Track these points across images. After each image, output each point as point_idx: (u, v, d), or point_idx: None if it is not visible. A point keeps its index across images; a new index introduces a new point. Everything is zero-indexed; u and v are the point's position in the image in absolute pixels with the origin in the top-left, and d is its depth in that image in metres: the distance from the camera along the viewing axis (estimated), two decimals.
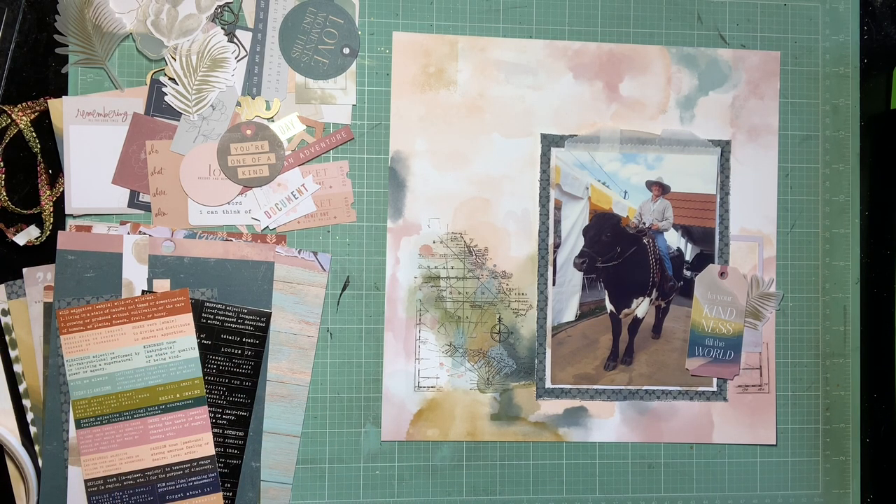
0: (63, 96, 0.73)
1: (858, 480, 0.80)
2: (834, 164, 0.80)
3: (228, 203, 0.74)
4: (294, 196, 0.74)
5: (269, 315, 0.74)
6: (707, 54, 0.79)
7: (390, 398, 0.76)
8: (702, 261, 0.78)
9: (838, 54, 0.80)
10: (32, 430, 0.72)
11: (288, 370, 0.74)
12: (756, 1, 0.80)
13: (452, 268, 0.76)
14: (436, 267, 0.76)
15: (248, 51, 0.74)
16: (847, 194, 0.80)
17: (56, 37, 0.72)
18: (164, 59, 0.73)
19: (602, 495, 0.77)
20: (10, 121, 0.72)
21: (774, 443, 0.79)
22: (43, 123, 0.73)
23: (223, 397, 0.73)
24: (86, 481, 0.71)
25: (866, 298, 0.80)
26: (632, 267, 0.78)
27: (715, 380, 0.78)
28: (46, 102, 0.72)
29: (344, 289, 0.76)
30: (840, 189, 0.80)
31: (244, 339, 0.73)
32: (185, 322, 0.73)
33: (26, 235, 0.73)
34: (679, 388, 0.78)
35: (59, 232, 0.72)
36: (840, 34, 0.80)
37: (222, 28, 0.74)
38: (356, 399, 0.75)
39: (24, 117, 0.72)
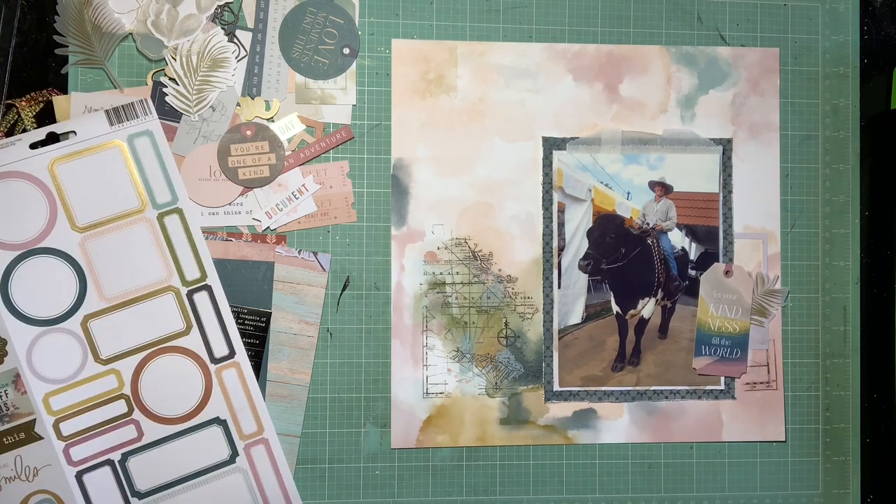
0: (72, 92, 0.72)
1: (858, 480, 0.80)
2: (834, 164, 0.80)
3: (229, 204, 0.74)
4: (294, 196, 0.74)
5: (269, 315, 0.74)
6: (706, 53, 0.79)
7: (399, 405, 0.75)
8: (706, 260, 0.78)
9: (838, 54, 0.80)
10: None
11: (288, 370, 0.74)
12: (756, 1, 0.80)
13: (457, 273, 0.76)
14: (441, 273, 0.76)
15: (248, 51, 0.74)
16: (847, 194, 0.80)
17: (55, 37, 0.72)
18: (164, 59, 0.73)
19: (602, 495, 0.78)
20: (17, 116, 0.72)
21: (784, 439, 0.79)
22: (45, 122, 0.73)
23: None
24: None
25: (866, 298, 0.80)
26: (637, 268, 0.78)
27: (723, 378, 0.78)
28: (51, 94, 0.72)
29: (344, 289, 0.75)
30: (840, 189, 0.80)
31: (244, 339, 0.73)
32: None
33: None
34: (687, 388, 0.78)
35: None
36: (840, 34, 0.81)
37: (222, 28, 0.74)
38: (356, 399, 0.75)
39: (29, 111, 0.71)
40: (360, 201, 0.76)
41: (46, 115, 0.73)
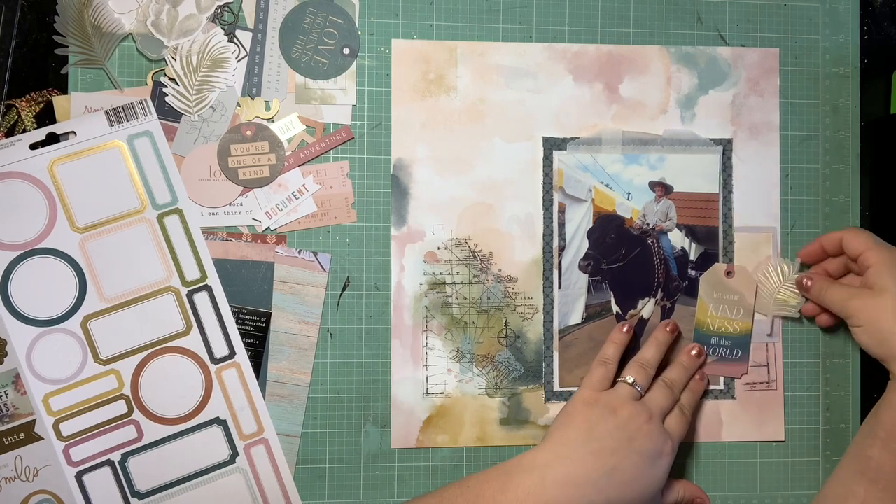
0: (72, 92, 0.72)
1: None
2: (834, 165, 0.80)
3: (229, 204, 0.74)
4: (295, 196, 0.74)
5: (269, 315, 0.74)
6: (706, 53, 0.79)
7: (399, 405, 0.75)
8: (706, 260, 0.78)
9: (838, 54, 0.80)
10: None
11: (288, 370, 0.74)
12: (756, 1, 0.80)
13: (458, 273, 0.76)
14: (441, 273, 0.76)
15: (248, 51, 0.74)
16: (847, 194, 0.80)
17: (55, 37, 0.72)
18: (164, 59, 0.73)
19: None
20: (17, 117, 0.72)
21: (784, 439, 0.79)
22: (45, 123, 0.73)
23: None
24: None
25: None
26: (637, 268, 0.78)
27: (722, 378, 0.78)
28: (51, 94, 0.72)
29: (344, 289, 0.75)
30: (840, 189, 0.80)
31: (244, 339, 0.73)
32: None
33: None
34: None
35: None
36: (840, 34, 0.81)
37: (222, 28, 0.74)
38: (356, 399, 0.75)
39: (29, 111, 0.71)
40: (360, 201, 0.76)
41: (46, 116, 0.73)
